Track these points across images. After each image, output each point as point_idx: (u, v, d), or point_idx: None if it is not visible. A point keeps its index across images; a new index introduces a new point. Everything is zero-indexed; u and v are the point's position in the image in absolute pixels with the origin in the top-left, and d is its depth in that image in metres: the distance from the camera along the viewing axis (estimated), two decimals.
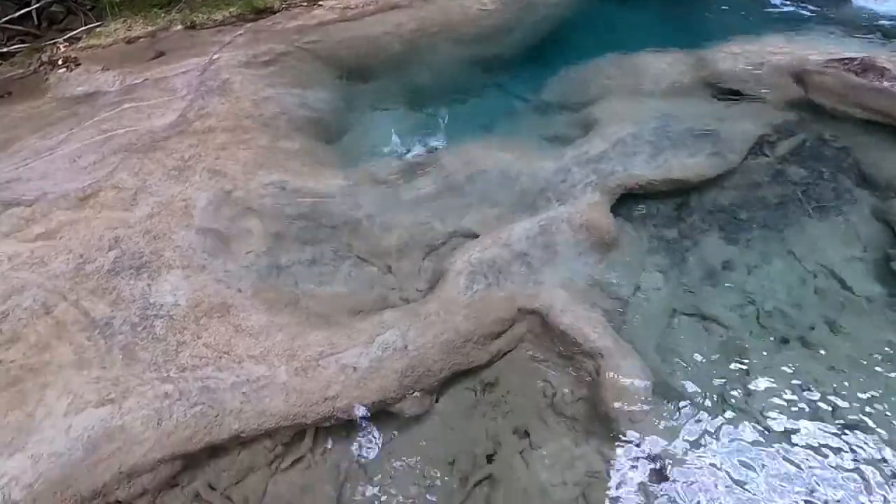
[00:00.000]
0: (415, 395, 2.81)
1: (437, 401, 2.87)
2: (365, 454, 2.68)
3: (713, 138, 4.27)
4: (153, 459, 2.44)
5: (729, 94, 4.76)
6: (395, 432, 2.76)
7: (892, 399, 2.79)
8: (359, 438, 2.73)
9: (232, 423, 2.57)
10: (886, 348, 3.01)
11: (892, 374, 2.89)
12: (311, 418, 2.62)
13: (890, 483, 2.49)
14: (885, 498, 2.45)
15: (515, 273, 3.30)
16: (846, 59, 4.76)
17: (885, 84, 4.44)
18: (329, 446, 2.68)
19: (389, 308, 3.17)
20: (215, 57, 5.33)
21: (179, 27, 5.97)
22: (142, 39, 5.81)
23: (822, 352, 3.04)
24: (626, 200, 3.89)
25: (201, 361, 2.77)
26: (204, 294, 3.09)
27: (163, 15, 6.06)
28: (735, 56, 5.10)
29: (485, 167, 4.07)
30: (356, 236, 3.62)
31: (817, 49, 5.05)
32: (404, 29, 5.67)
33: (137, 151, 4.10)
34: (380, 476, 2.63)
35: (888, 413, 2.74)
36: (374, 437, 2.75)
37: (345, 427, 2.72)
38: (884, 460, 2.57)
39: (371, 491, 2.57)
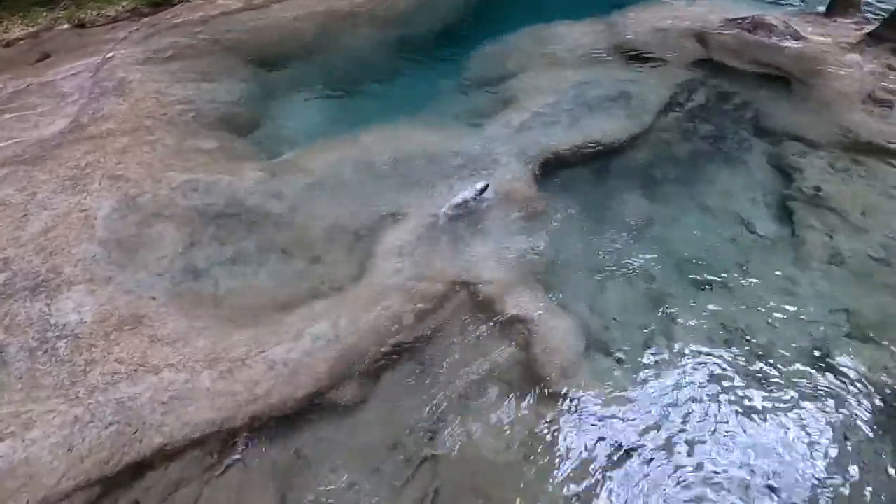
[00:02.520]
0: (351, 382, 2.75)
1: (377, 384, 2.82)
2: (305, 448, 2.59)
3: (627, 102, 4.43)
4: (66, 489, 2.24)
5: (639, 58, 4.95)
6: (335, 421, 2.68)
7: (796, 323, 3.01)
8: (297, 433, 2.63)
9: (153, 437, 2.41)
10: (788, 281, 3.24)
11: (795, 304, 3.12)
12: (241, 420, 2.50)
13: (798, 402, 2.70)
14: (792, 418, 2.65)
15: (444, 249, 3.28)
16: (739, 18, 5.06)
17: (774, 39, 4.77)
18: (266, 445, 2.56)
19: (319, 299, 3.07)
20: (109, 55, 4.92)
21: (66, 26, 5.46)
22: (22, 41, 5.26)
23: (735, 291, 3.24)
24: (550, 168, 3.97)
25: (114, 378, 2.57)
26: (112, 307, 2.87)
27: (45, 14, 5.51)
28: (643, 21, 5.30)
29: (408, 148, 4.01)
30: (279, 230, 3.47)
31: (716, 11, 5.34)
32: (315, 14, 5.47)
33: (24, 163, 3.72)
34: (323, 468, 2.55)
35: (794, 336, 2.96)
36: (314, 430, 2.66)
37: (281, 423, 2.62)
38: (792, 381, 2.78)
39: (315, 484, 2.49)
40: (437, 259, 3.23)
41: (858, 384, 2.72)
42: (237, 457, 2.51)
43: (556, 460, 2.53)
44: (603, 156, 4.04)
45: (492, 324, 3.01)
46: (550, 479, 2.47)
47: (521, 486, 2.48)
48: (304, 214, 3.57)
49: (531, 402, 2.74)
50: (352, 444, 2.63)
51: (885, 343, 2.86)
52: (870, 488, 2.38)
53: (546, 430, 2.65)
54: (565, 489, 2.46)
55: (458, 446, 2.61)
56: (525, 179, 3.73)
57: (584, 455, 2.55)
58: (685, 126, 4.31)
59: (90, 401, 2.48)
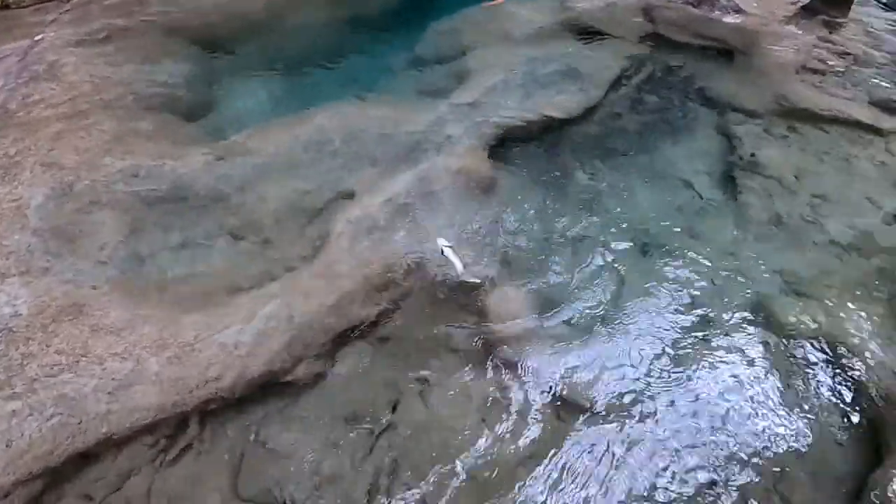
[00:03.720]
0: (307, 361, 2.72)
1: (333, 362, 2.81)
2: (261, 429, 2.56)
3: (577, 77, 4.49)
4: (5, 484, 2.15)
5: (589, 33, 5.01)
6: (292, 400, 2.66)
7: (737, 282, 3.16)
8: (252, 415, 2.60)
9: (99, 426, 2.33)
10: (730, 243, 3.39)
11: (736, 265, 3.27)
12: (192, 404, 2.45)
13: (738, 354, 2.85)
14: (733, 368, 2.80)
15: (399, 226, 3.27)
16: None
17: (716, 13, 4.91)
18: (220, 428, 2.52)
19: (271, 280, 3.02)
20: (38, 38, 4.62)
21: None
22: None
23: (681, 255, 3.36)
24: (504, 144, 3.99)
25: (54, 370, 2.46)
26: (49, 298, 2.73)
27: None
28: None
29: (361, 126, 3.95)
30: (228, 213, 3.37)
31: None
32: None
33: None
34: (280, 448, 2.53)
35: (734, 294, 3.11)
36: (270, 410, 2.64)
37: (235, 406, 2.58)
38: (732, 335, 2.92)
39: (272, 465, 2.47)
40: (391, 236, 3.21)
41: (792, 335, 2.89)
42: (190, 442, 2.47)
43: (513, 424, 2.60)
44: (555, 130, 4.10)
45: (447, 297, 3.04)
46: (508, 442, 2.53)
47: (481, 449, 2.54)
48: (253, 196, 3.48)
49: (487, 369, 2.79)
50: (309, 421, 2.62)
51: (816, 297, 3.04)
52: (800, 423, 2.55)
53: (502, 396, 2.70)
54: (523, 449, 2.52)
55: (416, 417, 2.64)
56: (478, 155, 3.75)
57: (540, 416, 2.63)
58: (634, 99, 4.41)
59: (29, 394, 2.37)
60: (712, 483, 2.41)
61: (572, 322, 3.02)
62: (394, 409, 2.68)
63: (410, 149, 3.79)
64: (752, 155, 3.84)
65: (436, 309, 3.02)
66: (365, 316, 2.92)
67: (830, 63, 4.52)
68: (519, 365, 2.79)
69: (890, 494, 2.19)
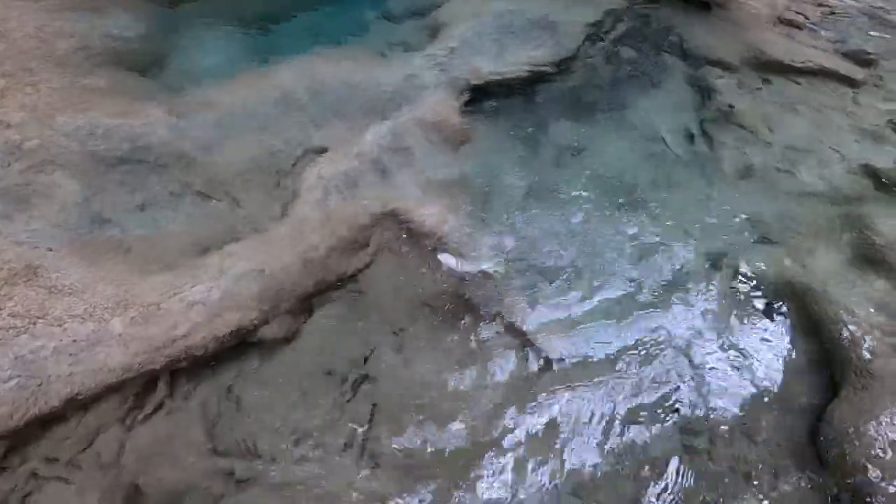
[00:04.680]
0: (279, 318, 2.68)
1: (308, 318, 2.77)
2: (235, 386, 2.53)
3: (552, 29, 4.36)
4: None
5: None
6: (266, 357, 2.63)
7: (708, 232, 3.20)
8: (225, 372, 2.56)
9: (61, 388, 2.26)
10: (702, 195, 3.42)
11: (708, 215, 3.30)
12: (160, 363, 2.39)
13: (708, 299, 2.90)
14: (702, 312, 2.86)
15: (370, 181, 3.19)
16: None
17: None
18: (192, 387, 2.48)
19: (240, 239, 2.92)
20: None
21: None
22: None
23: (654, 207, 3.38)
24: (477, 97, 3.89)
25: (10, 333, 2.36)
26: (2, 261, 2.60)
27: None
28: None
29: (329, 81, 3.79)
30: (192, 172, 3.23)
31: None
32: None
33: None
34: (255, 404, 2.51)
35: (705, 243, 3.15)
36: (244, 368, 2.60)
37: (207, 364, 2.54)
38: (703, 282, 2.97)
39: (248, 421, 2.46)
40: (363, 192, 3.13)
41: (758, 279, 2.95)
42: (161, 401, 2.42)
43: (488, 374, 2.62)
44: (530, 83, 4.01)
45: (421, 253, 3.00)
46: (484, 391, 2.56)
47: (457, 399, 2.56)
48: (218, 154, 3.34)
49: (462, 324, 2.79)
50: (285, 377, 2.60)
51: (782, 243, 3.10)
52: (764, 363, 2.63)
53: (477, 349, 2.71)
54: (499, 398, 2.55)
55: (393, 369, 2.64)
56: (451, 108, 3.64)
57: (513, 368, 2.65)
58: (610, 51, 4.33)
59: None
60: (676, 420, 2.48)
61: (544, 273, 3.03)
62: (370, 362, 2.67)
63: (381, 103, 3.66)
64: (731, 107, 3.84)
65: (412, 265, 2.98)
66: (338, 272, 2.88)
67: (806, 15, 4.49)
68: (493, 320, 2.80)
69: (843, 424, 2.29)
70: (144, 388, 2.42)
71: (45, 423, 2.26)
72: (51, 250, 2.73)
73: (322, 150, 3.38)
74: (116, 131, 3.32)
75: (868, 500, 2.09)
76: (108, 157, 3.21)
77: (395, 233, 3.05)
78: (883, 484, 2.11)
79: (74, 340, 2.37)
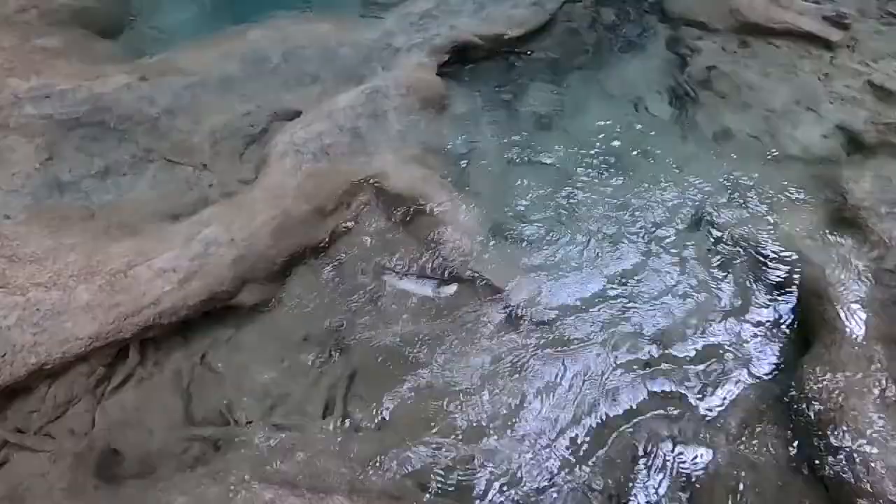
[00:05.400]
0: (253, 285, 2.63)
1: (283, 285, 2.73)
2: (209, 353, 2.49)
3: None
4: None
5: None
6: (240, 324, 2.59)
7: (685, 195, 3.20)
8: (199, 341, 2.52)
9: (28, 358, 2.20)
10: (680, 158, 3.41)
11: (685, 178, 3.30)
12: (129, 331, 2.33)
13: (684, 258, 2.94)
14: (678, 270, 2.89)
15: (344, 145, 3.10)
16: None
17: None
18: (164, 355, 2.44)
19: (209, 206, 2.83)
20: None
21: None
22: None
23: (633, 171, 3.36)
24: (455, 60, 3.79)
25: None
26: None
27: None
28: None
29: (301, 42, 3.65)
30: (156, 137, 3.10)
31: None
32: None
33: None
34: (231, 371, 2.48)
35: (682, 206, 3.16)
36: (218, 336, 2.56)
37: (179, 331, 2.49)
38: (678, 241, 3.00)
39: (223, 388, 2.43)
40: (337, 157, 3.05)
41: (734, 241, 2.98)
42: (132, 370, 2.38)
43: (466, 338, 2.62)
44: (508, 45, 3.91)
45: (398, 219, 2.95)
46: (461, 355, 2.56)
47: (434, 363, 2.56)
48: (186, 119, 3.21)
49: (439, 289, 2.77)
50: (260, 345, 2.56)
51: (757, 206, 3.13)
52: (739, 321, 2.69)
53: (454, 313, 2.70)
54: (476, 362, 2.56)
55: (370, 335, 2.62)
56: (429, 71, 3.54)
57: (492, 330, 2.66)
58: (591, 15, 4.23)
59: None
60: (648, 375, 2.53)
61: (524, 239, 3.01)
62: (346, 329, 2.65)
63: (356, 65, 3.55)
64: (710, 69, 3.81)
65: (389, 231, 2.94)
66: (313, 239, 2.82)
67: None
68: (472, 284, 2.79)
69: (813, 378, 2.36)
70: (115, 356, 2.37)
71: (13, 393, 2.20)
72: (8, 218, 2.61)
73: (294, 115, 3.27)
74: (74, 94, 3.15)
75: (839, 456, 2.16)
76: (66, 120, 3.06)
77: (372, 199, 2.99)
78: (849, 437, 2.19)
79: (38, 309, 2.29)
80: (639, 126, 3.61)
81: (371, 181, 2.98)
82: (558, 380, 2.51)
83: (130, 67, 3.39)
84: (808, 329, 2.62)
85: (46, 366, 2.21)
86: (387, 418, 2.35)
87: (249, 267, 2.61)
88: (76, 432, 2.20)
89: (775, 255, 2.88)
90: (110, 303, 2.35)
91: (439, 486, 2.13)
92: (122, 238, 2.60)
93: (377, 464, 2.18)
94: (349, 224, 2.93)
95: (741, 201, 3.17)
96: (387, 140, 3.18)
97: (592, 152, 3.47)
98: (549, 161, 3.39)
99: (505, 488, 2.19)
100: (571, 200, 3.21)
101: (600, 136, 3.55)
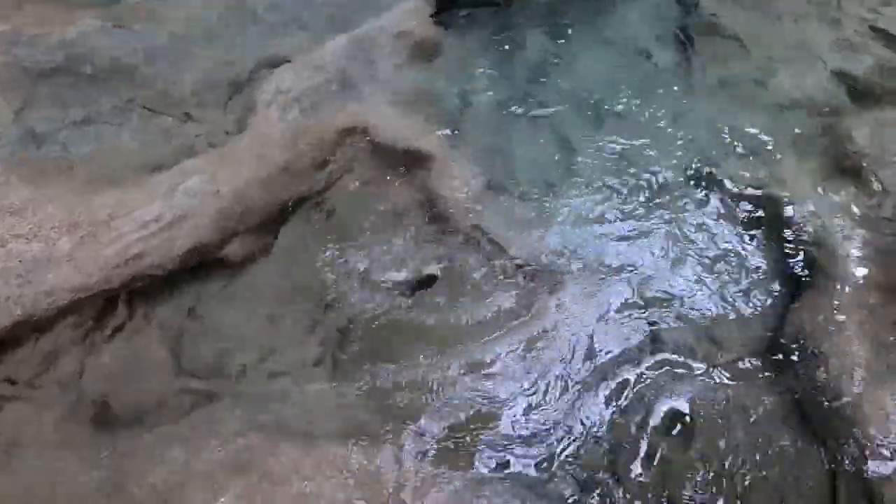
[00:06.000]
0: (241, 237, 2.57)
1: (274, 238, 2.67)
2: (198, 307, 2.45)
3: None
4: None
5: None
6: (232, 279, 2.54)
7: (686, 146, 3.13)
8: (188, 294, 2.47)
9: (13, 310, 2.15)
10: (681, 108, 3.32)
11: (686, 129, 3.22)
12: (115, 283, 2.28)
13: (683, 211, 2.89)
14: (677, 225, 2.85)
15: (334, 94, 2.98)
16: None
17: None
18: (152, 308, 2.40)
19: (193, 157, 2.73)
20: None
21: None
22: None
23: (633, 122, 3.27)
24: (447, 7, 3.61)
25: None
26: None
27: None
28: None
29: None
30: (136, 85, 2.96)
31: None
32: None
33: None
34: (222, 325, 2.45)
35: (683, 157, 3.09)
36: (209, 289, 2.52)
37: (167, 285, 2.44)
38: (679, 194, 2.94)
39: (215, 341, 2.40)
40: (326, 105, 2.94)
41: (734, 192, 2.93)
42: (121, 323, 2.34)
43: (459, 288, 2.59)
44: None
45: (390, 168, 2.87)
46: (456, 304, 2.54)
47: (429, 315, 2.54)
48: (167, 67, 3.06)
49: (433, 240, 2.72)
50: (252, 296, 2.52)
51: (759, 155, 3.07)
52: (735, 272, 2.67)
53: (448, 264, 2.67)
54: (473, 310, 2.54)
55: (363, 288, 2.59)
56: (422, 16, 3.38)
57: (487, 279, 2.62)
58: None
59: None
60: (650, 334, 2.52)
61: (521, 192, 2.95)
62: (340, 282, 2.61)
63: (346, 11, 3.37)
64: (711, 17, 3.66)
65: (379, 181, 2.86)
66: (302, 191, 2.74)
67: None
68: (465, 235, 2.74)
69: (804, 323, 2.37)
70: (102, 310, 2.32)
71: (0, 345, 2.17)
72: None
73: (281, 62, 3.12)
74: (45, 40, 2.98)
75: (829, 399, 2.18)
76: (39, 68, 2.90)
77: (363, 149, 2.89)
78: (839, 380, 2.20)
79: (21, 261, 2.23)
80: (638, 75, 3.49)
81: (362, 131, 2.88)
82: (555, 327, 2.50)
83: (105, 13, 3.20)
84: (803, 276, 2.61)
85: (33, 317, 2.17)
86: (381, 371, 2.34)
87: (236, 219, 2.54)
88: (66, 384, 2.18)
89: (773, 204, 2.84)
90: (94, 255, 2.28)
91: (434, 429, 2.14)
92: (103, 189, 2.51)
93: (372, 411, 2.19)
94: (340, 175, 2.85)
95: (741, 150, 3.11)
96: (378, 88, 3.06)
97: (591, 102, 3.36)
98: (546, 111, 3.29)
99: (499, 431, 2.20)
100: (567, 152, 3.12)
101: (598, 86, 3.43)
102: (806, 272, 2.60)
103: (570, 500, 2.03)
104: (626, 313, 2.56)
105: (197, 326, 2.41)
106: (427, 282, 2.64)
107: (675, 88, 3.43)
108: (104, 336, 2.30)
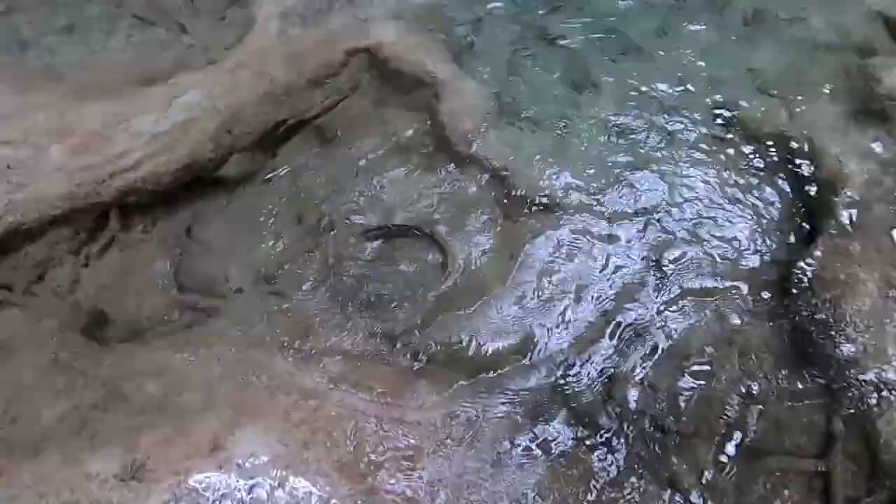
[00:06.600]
0: (240, 155, 2.48)
1: (270, 158, 2.58)
2: (195, 225, 2.40)
3: None
4: None
5: None
6: (227, 197, 2.47)
7: (708, 83, 2.97)
8: (183, 211, 2.42)
9: (5, 217, 2.10)
10: (705, 44, 3.13)
11: (709, 66, 3.05)
12: (108, 194, 2.21)
13: (698, 151, 2.77)
14: (693, 164, 2.74)
15: (338, 10, 2.81)
16: None
17: None
18: (148, 223, 2.35)
19: (189, 70, 2.60)
20: None
21: None
22: None
23: (653, 57, 3.10)
24: None
25: None
26: None
27: None
28: None
29: None
30: None
31: None
32: None
33: None
34: (218, 242, 2.40)
35: (703, 95, 2.93)
36: (206, 208, 2.46)
37: (162, 201, 2.37)
38: (696, 133, 2.81)
39: (212, 260, 2.36)
40: (330, 22, 2.77)
41: (754, 133, 2.80)
42: (114, 235, 2.29)
43: (464, 216, 2.52)
44: None
45: (395, 91, 2.74)
46: (458, 230, 2.48)
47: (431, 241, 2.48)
48: None
49: (437, 167, 2.62)
50: (248, 219, 2.46)
51: (783, 95, 2.91)
52: (751, 213, 2.58)
53: (451, 191, 2.58)
54: (479, 237, 2.47)
55: (362, 209, 2.51)
56: None
57: (492, 209, 2.54)
58: None
59: None
60: (657, 266, 2.47)
61: (531, 123, 2.82)
62: (340, 205, 2.54)
63: None
64: None
65: (386, 105, 2.74)
66: (302, 111, 2.63)
67: None
68: (471, 163, 2.63)
69: (823, 266, 2.30)
70: (95, 222, 2.27)
71: None
72: None
73: None
74: None
75: (840, 342, 2.14)
76: None
77: (367, 69, 2.75)
78: (852, 324, 2.16)
79: (10, 167, 2.15)
80: (661, 8, 3.28)
81: (367, 50, 2.72)
82: (557, 265, 2.45)
83: None
84: (821, 220, 2.53)
85: (24, 225, 2.12)
86: (381, 290, 2.31)
87: (234, 136, 2.44)
88: (61, 293, 2.16)
89: (795, 145, 2.71)
90: (86, 164, 2.21)
91: (433, 352, 2.13)
92: (94, 99, 2.40)
93: (370, 330, 2.17)
94: (342, 97, 2.71)
95: (766, 92, 2.94)
96: (384, 5, 2.87)
97: (610, 34, 3.17)
98: (561, 40, 3.10)
99: (498, 356, 2.19)
100: (583, 84, 2.97)
101: (621, 19, 3.23)
102: (824, 216, 2.51)
103: (567, 425, 2.04)
104: (627, 251, 2.50)
105: (195, 244, 2.37)
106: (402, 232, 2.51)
107: (704, 24, 3.22)
108: (99, 249, 2.26)
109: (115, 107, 2.36)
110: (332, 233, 2.45)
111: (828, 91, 2.90)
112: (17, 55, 2.52)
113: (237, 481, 1.70)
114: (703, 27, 3.19)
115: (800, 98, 2.89)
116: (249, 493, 1.69)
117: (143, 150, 2.27)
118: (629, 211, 2.59)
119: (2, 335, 2.03)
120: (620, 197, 2.63)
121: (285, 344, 2.11)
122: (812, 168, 2.65)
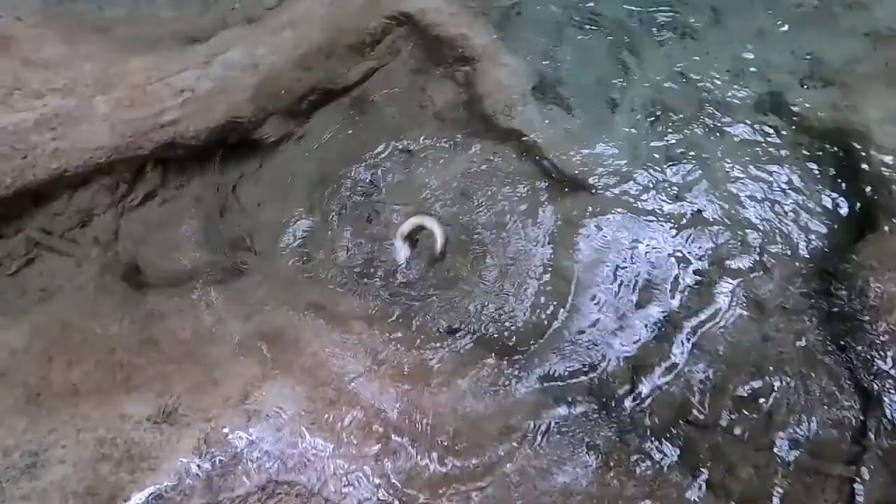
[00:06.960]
0: (276, 117, 2.48)
1: (308, 122, 2.58)
2: (227, 185, 2.42)
3: None
4: None
5: None
6: (261, 159, 2.49)
7: (758, 70, 2.85)
8: (223, 170, 2.44)
9: (49, 162, 2.14)
10: (757, 29, 2.99)
11: (759, 51, 2.92)
12: (149, 147, 2.24)
13: (745, 142, 2.68)
14: (739, 154, 2.65)
15: None
16: None
17: None
18: (186, 179, 2.38)
19: (231, 29, 2.60)
20: None
21: None
22: None
23: (702, 40, 2.97)
24: None
25: None
26: None
27: None
28: None
29: None
30: None
31: None
32: None
33: None
34: (253, 203, 2.43)
35: (752, 82, 2.82)
36: (241, 167, 2.48)
37: (199, 159, 2.40)
38: (743, 123, 2.71)
39: (244, 219, 2.40)
40: None
41: (803, 124, 2.69)
42: (153, 188, 2.33)
43: (494, 190, 2.49)
44: None
45: (434, 61, 2.69)
46: (489, 206, 2.46)
47: (465, 211, 2.46)
48: None
49: (471, 139, 2.59)
50: (282, 182, 2.48)
51: (839, 86, 2.77)
52: (799, 204, 2.49)
53: (485, 166, 2.55)
54: (504, 216, 2.46)
55: (396, 179, 2.51)
56: None
57: (522, 189, 2.51)
58: None
59: None
60: (693, 255, 2.41)
61: (570, 103, 2.75)
62: (372, 171, 2.53)
63: None
64: None
65: (424, 75, 2.70)
66: (340, 76, 2.61)
67: None
68: (507, 138, 2.59)
69: (870, 263, 2.21)
70: (135, 174, 2.31)
71: (38, 197, 2.18)
72: (19, 20, 2.43)
73: None
74: None
75: (877, 338, 2.07)
76: None
77: (407, 38, 2.71)
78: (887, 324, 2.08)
79: (57, 115, 2.19)
80: None
81: (408, 17, 2.68)
82: (591, 246, 2.41)
83: None
84: (869, 215, 2.43)
85: (67, 173, 2.16)
86: (408, 256, 2.30)
87: (272, 96, 2.44)
88: (101, 241, 2.21)
89: (845, 138, 2.59)
90: (129, 116, 2.23)
91: (462, 325, 2.13)
92: (138, 53, 2.42)
93: (396, 296, 2.18)
94: (380, 64, 2.69)
95: (821, 81, 2.81)
96: None
97: (656, 15, 3.05)
98: (605, 16, 3.00)
99: (523, 336, 2.18)
100: (626, 66, 2.88)
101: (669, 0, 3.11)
102: (875, 214, 2.40)
103: (593, 407, 2.02)
104: (666, 239, 2.44)
105: (229, 204, 2.40)
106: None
107: (753, 8, 3.09)
108: (137, 201, 2.30)
109: (158, 62, 2.38)
110: (361, 198, 2.46)
111: (885, 83, 2.77)
112: (70, 5, 2.55)
113: (264, 432, 1.74)
114: (760, 11, 3.05)
115: (854, 88, 2.76)
116: (276, 445, 1.73)
117: (183, 105, 2.29)
118: (668, 196, 2.52)
119: (43, 280, 2.10)
120: (660, 181, 2.56)
121: (313, 304, 2.13)
122: (862, 162, 2.54)
